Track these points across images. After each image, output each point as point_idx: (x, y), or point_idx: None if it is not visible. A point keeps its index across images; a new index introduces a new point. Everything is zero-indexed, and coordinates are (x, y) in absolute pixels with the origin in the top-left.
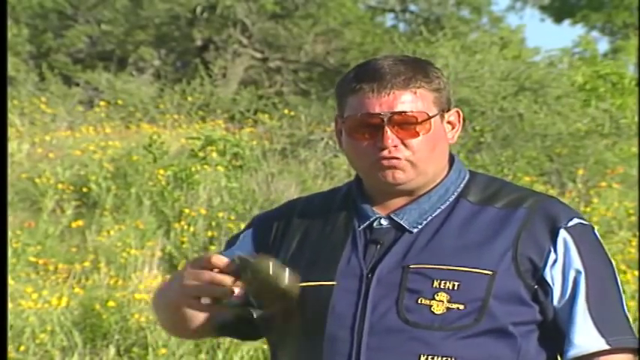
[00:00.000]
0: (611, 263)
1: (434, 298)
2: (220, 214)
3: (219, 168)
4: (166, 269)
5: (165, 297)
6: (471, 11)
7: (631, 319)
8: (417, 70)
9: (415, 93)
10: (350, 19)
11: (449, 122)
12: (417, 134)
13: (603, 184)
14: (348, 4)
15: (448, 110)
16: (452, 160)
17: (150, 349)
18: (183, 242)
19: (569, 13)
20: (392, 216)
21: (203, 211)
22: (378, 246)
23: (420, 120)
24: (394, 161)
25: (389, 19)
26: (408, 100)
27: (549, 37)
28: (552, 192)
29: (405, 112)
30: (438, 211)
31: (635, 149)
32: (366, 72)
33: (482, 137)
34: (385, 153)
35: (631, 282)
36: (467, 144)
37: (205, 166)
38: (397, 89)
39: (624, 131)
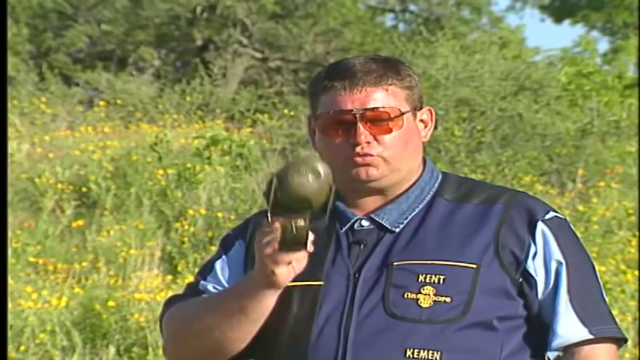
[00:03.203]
0: (588, 255)
1: (420, 292)
2: (220, 214)
3: (218, 168)
4: (166, 269)
5: (225, 300)
6: (470, 11)
7: (630, 319)
8: (389, 67)
9: (387, 90)
10: (350, 19)
11: (421, 120)
12: (389, 130)
13: (602, 183)
14: (348, 4)
15: (420, 108)
16: (424, 161)
17: (150, 349)
18: (183, 242)
19: (569, 13)
20: (372, 216)
21: (203, 211)
22: (362, 246)
23: (392, 116)
24: (368, 158)
25: (389, 19)
26: (380, 97)
27: (549, 37)
28: (552, 192)
29: (377, 108)
30: (417, 210)
31: (628, 147)
32: (338, 70)
33: (482, 137)
34: (358, 149)
35: (631, 282)
36: (469, 145)
37: (206, 167)
38: (369, 86)
39: (624, 130)
